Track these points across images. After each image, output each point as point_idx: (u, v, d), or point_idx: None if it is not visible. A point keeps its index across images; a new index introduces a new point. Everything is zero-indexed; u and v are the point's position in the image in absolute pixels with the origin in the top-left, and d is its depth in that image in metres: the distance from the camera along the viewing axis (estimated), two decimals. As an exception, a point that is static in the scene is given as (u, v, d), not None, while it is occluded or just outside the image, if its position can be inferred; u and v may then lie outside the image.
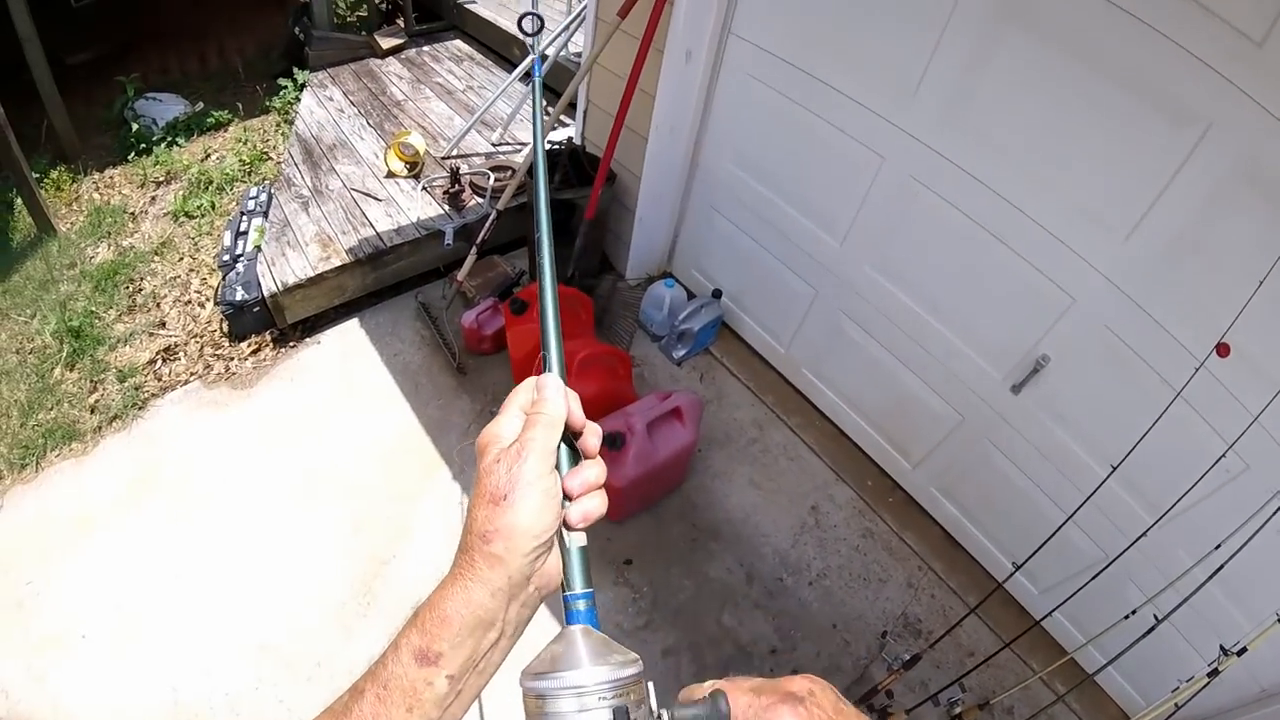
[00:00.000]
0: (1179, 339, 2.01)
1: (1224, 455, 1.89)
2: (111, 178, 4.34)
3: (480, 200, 3.54)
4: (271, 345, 3.27)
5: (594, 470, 0.60)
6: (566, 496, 0.58)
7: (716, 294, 3.15)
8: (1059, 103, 2.00)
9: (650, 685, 0.51)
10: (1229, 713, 2.70)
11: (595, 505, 0.59)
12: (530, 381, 0.62)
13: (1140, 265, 2.02)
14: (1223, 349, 1.97)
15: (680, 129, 3.02)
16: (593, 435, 0.63)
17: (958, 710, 2.42)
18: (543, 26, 0.85)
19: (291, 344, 3.27)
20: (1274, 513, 1.92)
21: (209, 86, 5.29)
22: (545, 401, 0.59)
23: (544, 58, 3.84)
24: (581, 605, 0.55)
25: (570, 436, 0.61)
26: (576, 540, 0.57)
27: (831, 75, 2.52)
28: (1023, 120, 2.10)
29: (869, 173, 2.55)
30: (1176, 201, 1.88)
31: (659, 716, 0.50)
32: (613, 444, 2.45)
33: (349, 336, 3.29)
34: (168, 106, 4.79)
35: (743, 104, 2.87)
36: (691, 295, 3.22)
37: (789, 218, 2.87)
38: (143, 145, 4.46)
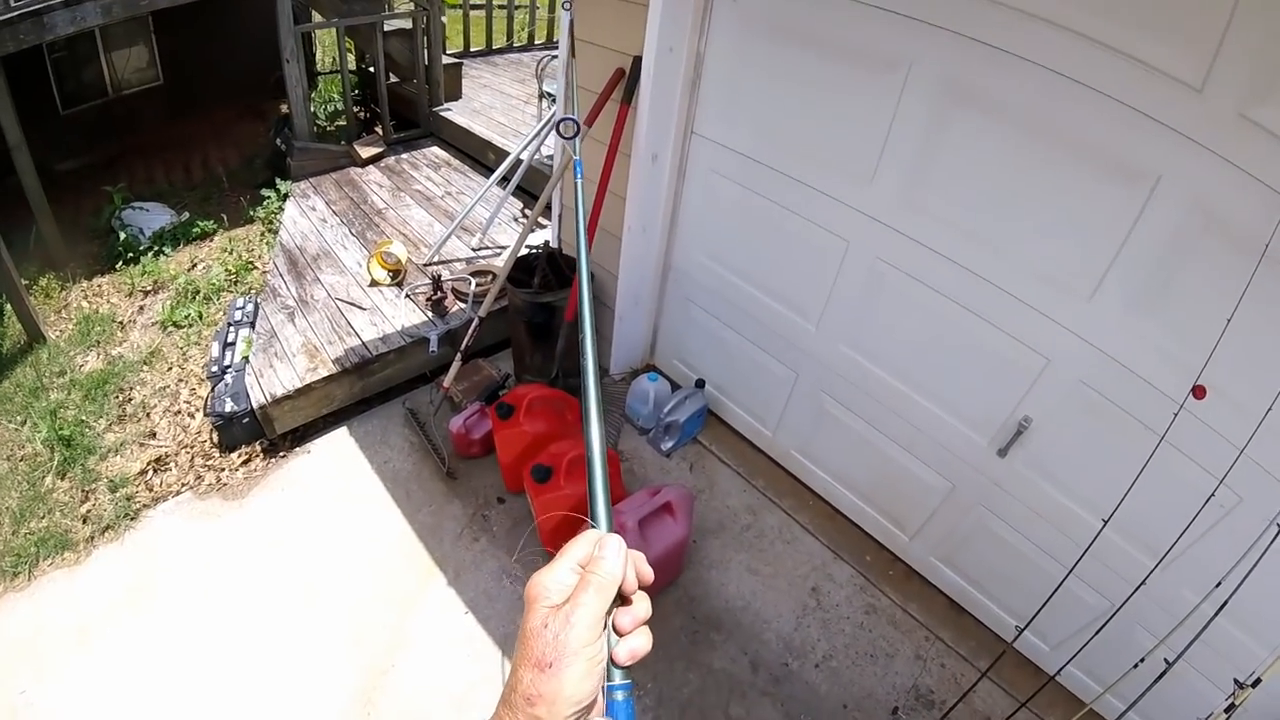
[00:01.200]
0: (1156, 386, 2.06)
1: (1215, 492, 1.91)
2: (100, 286, 4.40)
3: (463, 306, 3.61)
4: (262, 455, 3.27)
5: (643, 606, 0.60)
6: (617, 632, 0.58)
7: (700, 384, 3.20)
8: (1012, 173, 2.09)
9: None
10: None
11: (642, 643, 0.59)
12: (590, 536, 0.60)
13: (1109, 320, 2.09)
14: (1199, 391, 2.01)
15: (652, 227, 3.12)
16: (641, 602, 0.61)
17: None
18: (579, 131, 0.87)
19: (282, 454, 3.27)
20: (1272, 540, 1.92)
21: (194, 196, 5.42)
22: (603, 561, 0.58)
23: (519, 162, 3.98)
24: (620, 696, 0.56)
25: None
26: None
27: (791, 167, 2.63)
28: (979, 194, 2.19)
29: (836, 257, 2.63)
30: (1136, 255, 1.96)
31: None
32: None
33: (339, 445, 3.30)
34: (154, 216, 4.89)
35: (709, 199, 2.98)
36: (676, 386, 3.27)
37: (763, 305, 2.95)
38: (130, 254, 4.55)
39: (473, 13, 6.70)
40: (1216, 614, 1.95)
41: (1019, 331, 2.29)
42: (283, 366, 3.32)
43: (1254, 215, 1.72)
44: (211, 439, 3.31)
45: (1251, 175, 1.71)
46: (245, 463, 3.24)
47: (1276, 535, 1.91)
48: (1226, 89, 1.67)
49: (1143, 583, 2.03)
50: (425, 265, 3.91)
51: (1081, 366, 2.21)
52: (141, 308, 4.21)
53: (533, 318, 3.08)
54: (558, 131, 0.87)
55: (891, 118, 2.28)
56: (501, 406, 2.86)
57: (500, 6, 6.86)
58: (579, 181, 0.92)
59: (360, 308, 3.65)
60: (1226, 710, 2.10)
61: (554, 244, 3.48)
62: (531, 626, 0.55)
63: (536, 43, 7.27)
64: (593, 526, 0.62)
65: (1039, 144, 2.01)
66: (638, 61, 2.73)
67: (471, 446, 3.11)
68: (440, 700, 2.46)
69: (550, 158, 3.96)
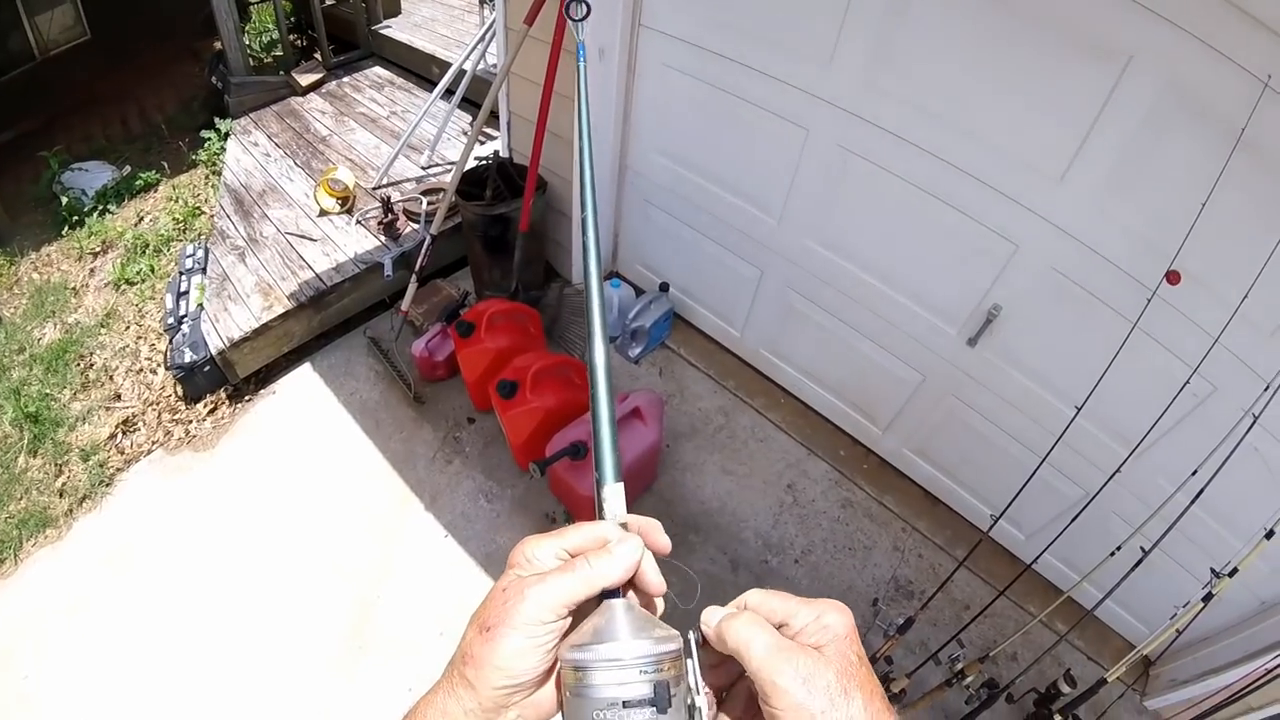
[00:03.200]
0: (1129, 272, 2.00)
1: (1189, 380, 1.89)
2: (49, 255, 4.23)
3: (415, 226, 3.46)
4: (228, 402, 3.18)
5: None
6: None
7: (664, 287, 3.10)
8: (978, 53, 1.98)
9: (691, 663, 0.49)
10: (1233, 628, 2.73)
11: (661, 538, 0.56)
12: (595, 532, 0.53)
13: (1080, 204, 2.01)
14: (1173, 276, 1.96)
15: (604, 128, 2.97)
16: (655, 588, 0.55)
17: (959, 666, 2.40)
18: (589, 11, 0.81)
19: (247, 398, 3.19)
20: (1247, 430, 1.92)
21: (134, 148, 5.17)
22: (605, 558, 0.51)
23: (463, 73, 3.76)
24: None
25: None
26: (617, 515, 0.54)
27: (745, 54, 2.48)
28: (944, 75, 2.07)
29: (795, 146, 2.51)
30: (1107, 137, 1.87)
31: (695, 697, 0.48)
32: (575, 454, 2.39)
33: (304, 382, 3.21)
34: (95, 175, 4.66)
35: (663, 95, 2.83)
36: (640, 292, 3.17)
37: (724, 202, 2.84)
38: (75, 218, 4.35)
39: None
40: (1191, 504, 1.95)
41: (987, 217, 2.21)
42: (238, 309, 3.19)
43: (1230, 99, 1.64)
44: (176, 392, 3.21)
45: (1228, 58, 1.63)
46: (212, 412, 3.16)
47: (1251, 426, 1.91)
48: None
49: (1117, 471, 2.03)
50: (374, 189, 3.74)
51: (1052, 252, 2.15)
52: (93, 270, 4.04)
53: (487, 231, 2.95)
54: (566, 13, 0.77)
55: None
56: (462, 325, 2.75)
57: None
58: (582, 65, 0.80)
59: (311, 239, 3.50)
60: (1204, 599, 2.11)
61: (504, 153, 3.31)
62: (493, 588, 0.52)
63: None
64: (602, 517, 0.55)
65: (1007, 20, 1.89)
66: None
67: (436, 369, 3.02)
68: (429, 626, 2.45)
69: (495, 66, 3.73)
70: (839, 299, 2.70)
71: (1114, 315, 2.05)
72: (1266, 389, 1.87)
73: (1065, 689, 2.53)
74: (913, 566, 2.66)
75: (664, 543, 0.56)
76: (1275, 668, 2.39)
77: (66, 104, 6.00)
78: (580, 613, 0.51)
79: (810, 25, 2.26)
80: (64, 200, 4.35)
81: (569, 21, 0.82)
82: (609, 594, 0.51)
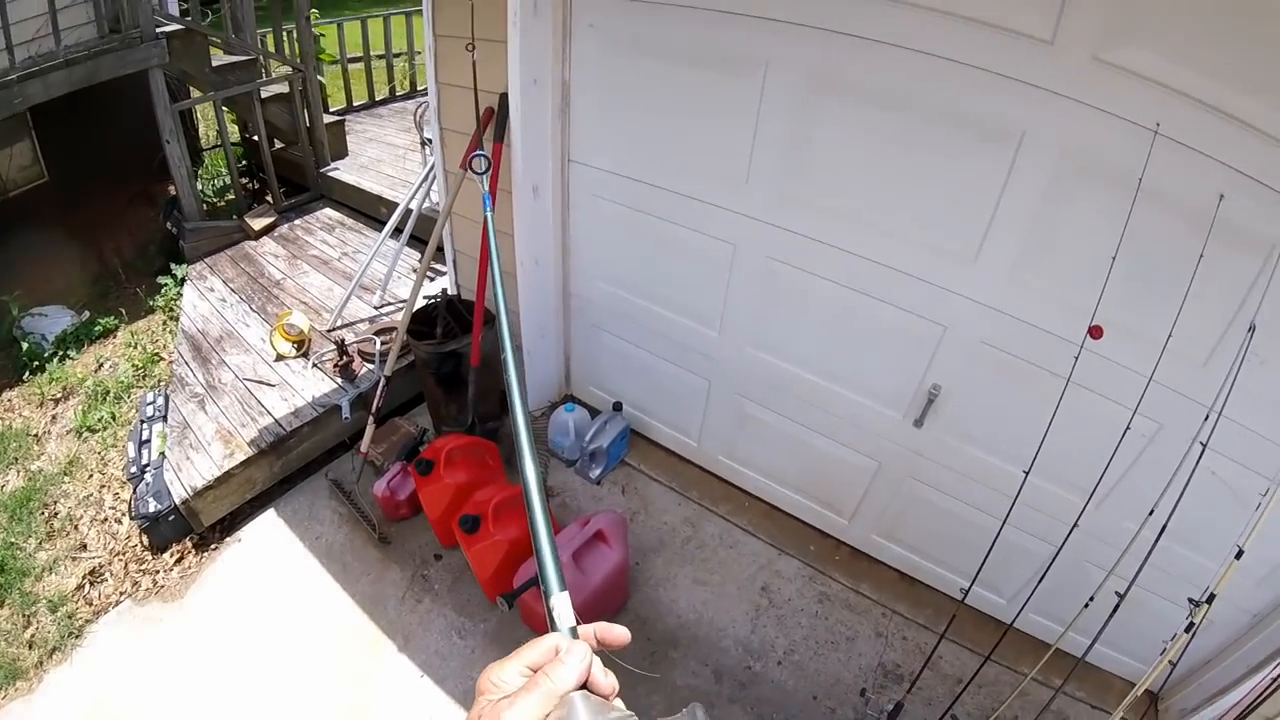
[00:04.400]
0: (1054, 332, 2.12)
1: (1130, 423, 1.98)
2: (10, 400, 4.19)
3: (371, 367, 3.51)
4: (194, 551, 3.14)
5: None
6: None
7: (617, 406, 3.17)
8: (882, 154, 2.14)
9: None
10: (1231, 646, 2.77)
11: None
12: (547, 643, 0.60)
13: (997, 279, 2.14)
14: (1095, 331, 2.07)
15: (545, 259, 3.09)
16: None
17: None
18: (489, 167, 0.93)
19: (213, 546, 3.14)
20: (1199, 458, 1.95)
21: (93, 293, 5.20)
22: (559, 668, 0.57)
23: (410, 212, 3.90)
24: None
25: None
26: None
27: (669, 180, 2.64)
28: (853, 179, 2.23)
29: (725, 262, 2.65)
30: (1013, 212, 2.02)
31: None
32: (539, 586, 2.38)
33: (268, 528, 3.18)
34: (55, 320, 4.67)
35: (596, 224, 2.97)
36: (595, 413, 3.23)
37: (666, 320, 2.95)
38: (35, 363, 4.33)
39: (351, 66, 6.56)
40: (1158, 539, 1.97)
41: (913, 305, 2.34)
42: (199, 457, 3.19)
43: (1123, 153, 1.78)
44: (142, 542, 3.16)
45: (1114, 114, 1.77)
46: (179, 561, 3.10)
47: (1202, 453, 1.96)
48: (1077, 36, 1.73)
49: (1076, 523, 2.07)
50: (329, 331, 3.80)
51: (979, 328, 2.26)
52: (54, 416, 4.01)
53: (440, 368, 3.01)
54: (470, 169, 0.91)
55: (756, 117, 2.31)
56: (421, 463, 2.77)
57: (379, 57, 6.71)
58: (489, 215, 0.97)
59: (269, 385, 3.53)
60: (1187, 629, 2.15)
61: (452, 290, 3.41)
62: (472, 713, 0.57)
63: (419, 88, 7.12)
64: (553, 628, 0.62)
65: (904, 122, 2.06)
66: (504, 98, 2.70)
67: (399, 508, 3.02)
68: (410, 771, 2.38)
69: (439, 204, 3.88)
70: (786, 399, 2.78)
71: (1048, 375, 2.15)
72: (1207, 417, 1.94)
73: (1072, 745, 2.52)
74: (898, 650, 2.67)
75: (620, 634, 0.63)
76: (1279, 676, 2.41)
77: (25, 246, 6.01)
78: None
79: (724, 149, 2.42)
80: (24, 345, 4.34)
81: (472, 174, 0.95)
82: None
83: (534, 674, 0.57)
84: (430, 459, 2.77)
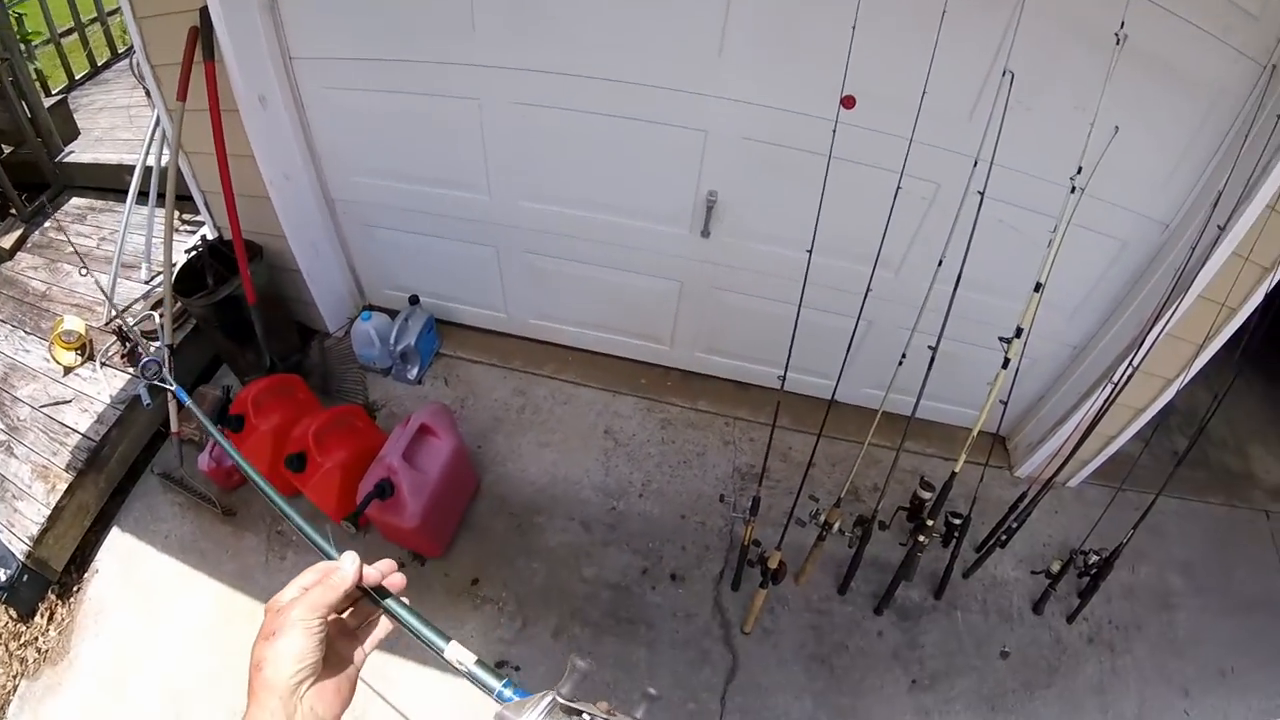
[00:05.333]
0: (810, 113, 2.12)
1: (900, 186, 2.02)
2: None
3: (157, 344, 3.25)
4: (60, 601, 2.96)
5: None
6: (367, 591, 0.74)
7: (414, 300, 3.03)
8: None
9: (555, 696, 0.61)
10: (1061, 378, 2.95)
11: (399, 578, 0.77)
12: (325, 564, 0.73)
13: (744, 71, 2.12)
14: (847, 101, 2.11)
15: (295, 171, 2.85)
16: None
17: (821, 517, 2.49)
18: (160, 368, 1.15)
19: (75, 589, 2.97)
20: (979, 206, 2.03)
21: None
22: (338, 573, 0.70)
23: (149, 170, 3.52)
24: (508, 692, 0.66)
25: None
26: (468, 661, 0.68)
27: (395, 50, 2.43)
28: (582, 4, 2.12)
29: (475, 119, 2.50)
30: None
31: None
32: (383, 494, 2.35)
33: (119, 547, 3.01)
34: None
35: (338, 116, 2.74)
36: (395, 314, 3.07)
37: (434, 197, 2.80)
38: None
39: (66, 41, 5.78)
40: (955, 290, 2.12)
41: (670, 116, 2.29)
42: (25, 504, 2.97)
43: None
44: (10, 615, 2.95)
45: None
46: (50, 618, 2.93)
47: (981, 202, 2.03)
48: None
49: (868, 289, 2.15)
50: (106, 324, 3.49)
51: (737, 125, 2.25)
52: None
53: (221, 319, 2.81)
54: (141, 374, 0.92)
55: None
56: (231, 420, 2.65)
57: (92, 21, 5.93)
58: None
59: (65, 402, 3.25)
60: (1004, 365, 2.24)
61: (211, 235, 3.13)
62: (262, 625, 0.68)
63: (143, 41, 6.34)
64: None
65: None
66: (205, 11, 2.38)
67: (231, 475, 2.89)
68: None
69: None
70: (576, 244, 2.72)
71: (812, 156, 2.12)
72: (976, 164, 2.01)
73: (925, 494, 2.66)
74: (747, 452, 2.74)
75: (399, 579, 0.76)
76: (1110, 395, 2.58)
77: None
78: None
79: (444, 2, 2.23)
80: None
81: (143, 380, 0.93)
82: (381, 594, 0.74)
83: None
84: (239, 413, 2.64)
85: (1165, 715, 2.90)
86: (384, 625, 0.77)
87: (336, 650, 0.72)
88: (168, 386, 1.15)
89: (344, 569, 0.70)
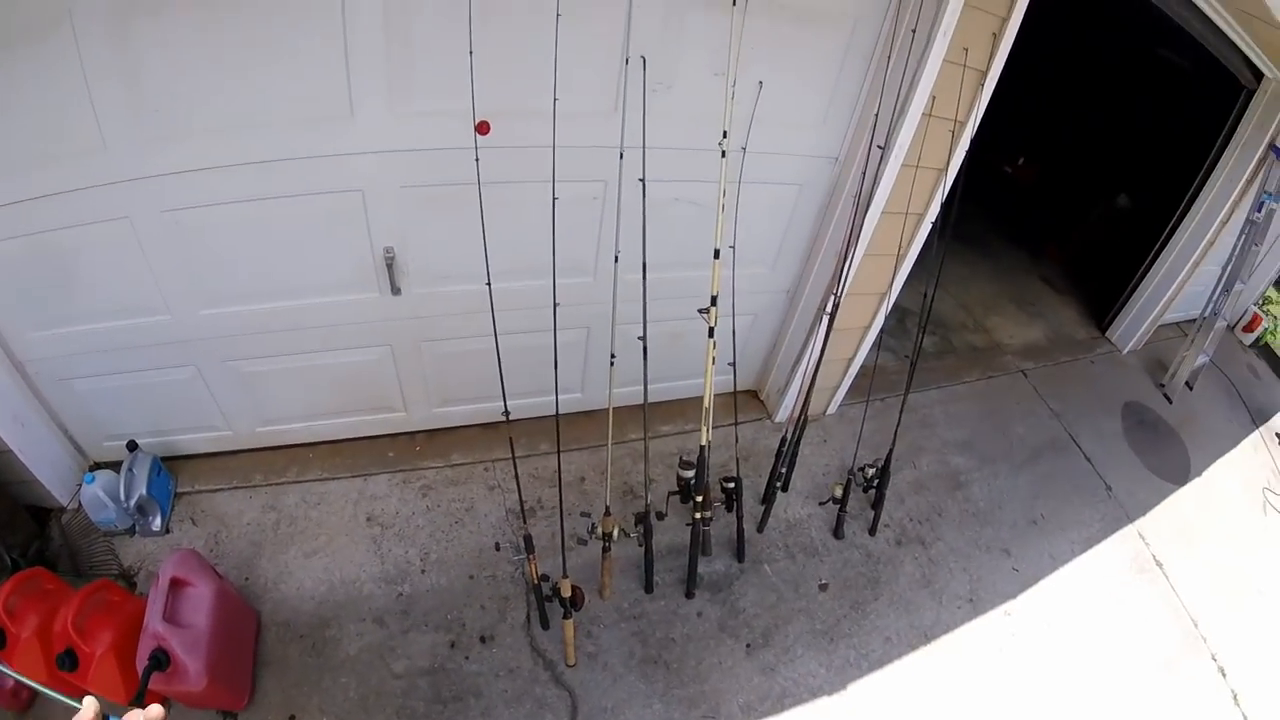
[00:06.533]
0: (453, 145, 2.09)
1: (554, 195, 2.05)
2: None
3: None
4: None
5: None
6: None
7: (131, 446, 2.78)
8: (220, 53, 1.94)
9: None
10: (784, 322, 3.14)
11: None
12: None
13: (380, 122, 2.13)
14: (481, 127, 2.09)
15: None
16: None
17: (598, 529, 2.52)
18: None
19: None
20: (643, 193, 2.14)
21: None
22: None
23: None
24: None
25: None
26: None
27: (22, 187, 2.16)
28: (200, 91, 2.00)
29: (127, 240, 2.30)
30: (363, 49, 1.96)
31: None
32: (160, 665, 2.16)
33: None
34: None
35: None
36: (117, 466, 2.83)
37: (116, 330, 2.55)
38: None
39: None
40: (645, 278, 2.23)
41: (321, 184, 2.23)
42: None
43: None
44: None
45: None
46: None
47: (644, 188, 2.15)
48: None
49: (557, 303, 2.19)
50: None
51: (390, 175, 2.23)
52: None
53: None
54: None
55: (81, 69, 1.91)
56: None
57: None
58: None
59: None
60: (710, 335, 2.31)
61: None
62: None
63: None
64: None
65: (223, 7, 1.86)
66: None
67: (17, 695, 2.56)
68: None
69: None
70: (272, 338, 2.59)
71: (468, 188, 2.08)
72: (622, 155, 2.15)
73: (686, 474, 2.72)
74: (513, 491, 2.70)
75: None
76: (829, 326, 2.72)
77: None
78: None
79: (60, 123, 2.02)
80: None
81: None
82: None
83: None
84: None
85: (995, 578, 3.14)
86: None
87: None
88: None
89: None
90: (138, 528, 2.78)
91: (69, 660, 2.26)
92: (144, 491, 2.67)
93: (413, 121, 2.12)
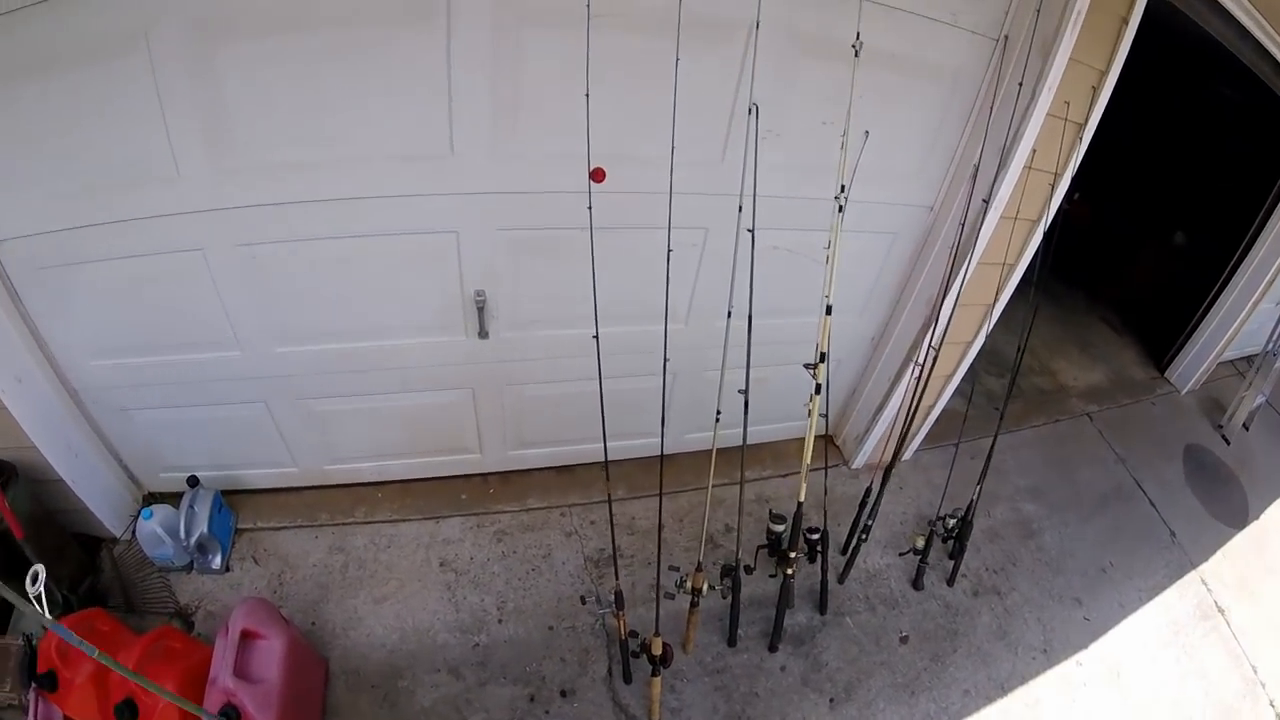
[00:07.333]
0: (561, 189, 2.06)
1: (671, 247, 2.08)
2: None
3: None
4: None
5: None
6: None
7: (192, 481, 2.70)
8: (308, 84, 1.88)
9: None
10: (867, 370, 3.21)
11: None
12: None
13: (481, 163, 2.08)
14: (597, 174, 2.01)
15: (27, 371, 2.39)
16: None
17: (687, 584, 2.46)
18: None
19: None
20: (753, 244, 2.12)
21: None
22: None
23: None
24: None
25: None
26: None
27: (96, 212, 2.09)
28: (288, 123, 1.96)
29: (203, 270, 2.23)
30: (467, 86, 1.90)
31: None
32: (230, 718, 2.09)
33: None
34: None
35: (59, 298, 2.34)
36: (179, 497, 2.75)
37: (183, 364, 2.48)
38: None
39: None
40: (751, 327, 2.19)
41: (413, 224, 2.17)
42: None
43: None
44: None
45: None
46: None
47: (753, 238, 2.12)
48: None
49: (666, 349, 2.21)
50: None
51: (488, 217, 2.18)
52: None
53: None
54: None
55: (158, 99, 1.84)
56: (43, 679, 2.27)
57: None
58: None
59: None
60: (817, 391, 2.25)
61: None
62: None
63: None
64: None
65: (316, 41, 1.80)
66: None
67: None
68: None
69: None
70: (348, 378, 2.52)
71: (573, 232, 2.07)
72: (740, 209, 2.13)
73: (778, 528, 2.66)
74: (593, 537, 2.65)
75: None
76: (921, 376, 2.66)
77: None
78: None
79: (136, 151, 1.95)
80: None
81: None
82: None
83: None
84: (50, 668, 2.26)
85: (1068, 629, 3.09)
86: None
87: None
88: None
89: None
90: (196, 565, 2.70)
91: (128, 711, 2.18)
92: (204, 529, 2.59)
93: (514, 163, 2.07)
